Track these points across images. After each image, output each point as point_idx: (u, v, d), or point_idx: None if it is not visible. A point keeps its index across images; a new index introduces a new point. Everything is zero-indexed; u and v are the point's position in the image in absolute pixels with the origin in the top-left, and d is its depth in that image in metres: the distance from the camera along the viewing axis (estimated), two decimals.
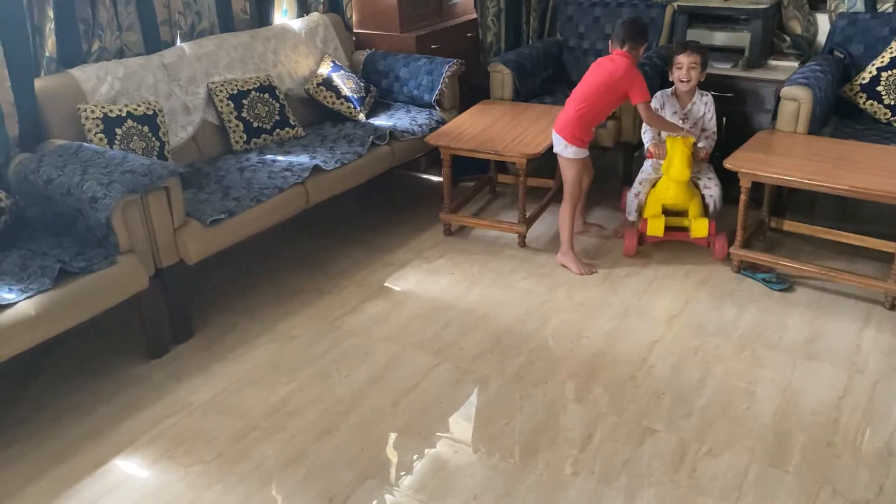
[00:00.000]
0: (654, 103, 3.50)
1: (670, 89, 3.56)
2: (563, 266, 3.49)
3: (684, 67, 3.42)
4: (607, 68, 3.29)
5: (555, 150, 3.42)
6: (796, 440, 2.39)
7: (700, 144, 3.45)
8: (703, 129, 3.53)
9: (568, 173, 3.42)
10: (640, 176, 3.58)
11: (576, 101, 3.32)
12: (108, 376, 2.82)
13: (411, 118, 4.05)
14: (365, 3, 4.57)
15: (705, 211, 3.47)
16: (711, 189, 3.44)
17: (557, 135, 3.37)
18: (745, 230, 3.32)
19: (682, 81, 3.46)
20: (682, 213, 3.49)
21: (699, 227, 3.41)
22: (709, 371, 2.74)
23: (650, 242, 3.59)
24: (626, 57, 3.26)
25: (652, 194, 3.49)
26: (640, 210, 3.55)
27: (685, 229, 3.48)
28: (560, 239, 3.50)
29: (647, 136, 3.59)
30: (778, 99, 3.46)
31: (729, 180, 3.37)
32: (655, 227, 3.45)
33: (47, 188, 2.76)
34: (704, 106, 3.52)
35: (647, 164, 3.61)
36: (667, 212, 3.49)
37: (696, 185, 3.47)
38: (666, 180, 3.40)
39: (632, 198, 3.57)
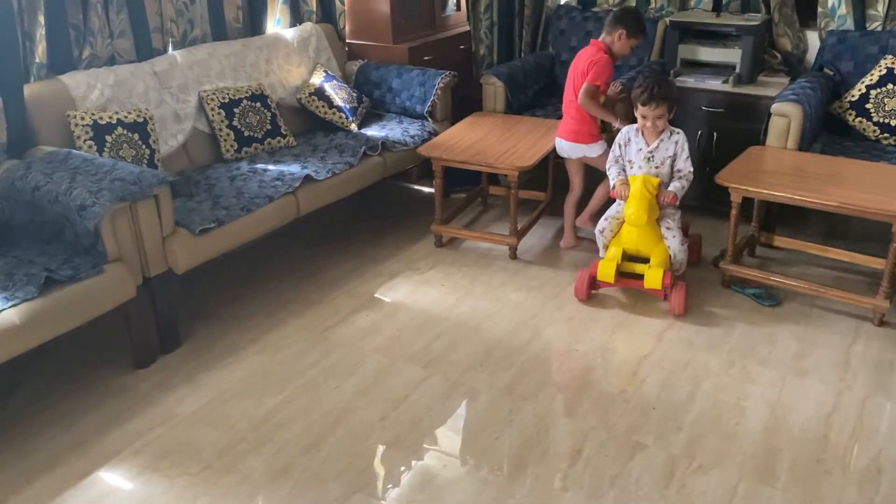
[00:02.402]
0: (619, 139, 3.33)
1: (637, 125, 3.27)
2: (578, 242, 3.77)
3: (650, 119, 3.16)
4: (578, 59, 3.47)
5: (577, 157, 3.59)
6: (785, 456, 2.39)
7: (671, 187, 3.17)
8: (678, 171, 3.23)
9: (600, 166, 3.52)
10: (609, 211, 3.34)
11: (569, 102, 3.47)
12: (94, 386, 2.79)
13: (403, 129, 4.05)
14: (358, 14, 4.58)
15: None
16: (668, 240, 3.19)
17: (574, 143, 3.52)
18: (735, 245, 3.33)
19: (649, 129, 3.22)
20: (647, 259, 3.22)
21: (652, 278, 3.12)
22: (698, 386, 2.74)
23: (603, 287, 3.32)
24: (597, 45, 3.42)
25: (616, 237, 3.29)
26: (606, 248, 3.33)
27: (642, 277, 3.18)
28: (589, 207, 3.70)
29: (611, 172, 3.33)
30: (768, 115, 3.48)
31: (718, 195, 3.38)
32: (605, 272, 3.18)
33: (34, 195, 2.73)
34: (675, 145, 3.21)
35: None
36: (631, 257, 3.26)
37: None
38: (628, 223, 3.20)
39: (597, 233, 3.36)
